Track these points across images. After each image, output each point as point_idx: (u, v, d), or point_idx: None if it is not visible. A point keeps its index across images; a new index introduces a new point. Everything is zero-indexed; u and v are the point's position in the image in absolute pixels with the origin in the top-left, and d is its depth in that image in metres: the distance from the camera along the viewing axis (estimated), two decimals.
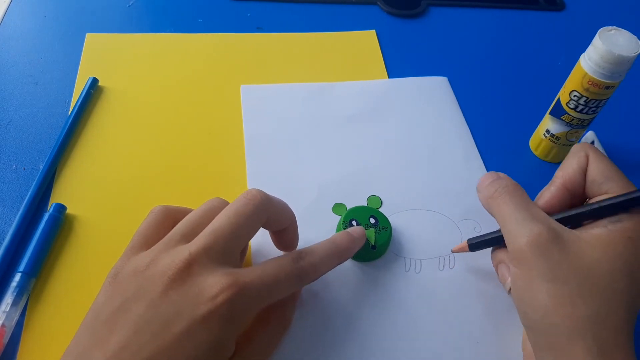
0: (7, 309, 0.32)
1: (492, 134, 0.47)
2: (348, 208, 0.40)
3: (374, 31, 0.56)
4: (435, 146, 0.45)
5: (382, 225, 0.37)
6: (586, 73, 0.39)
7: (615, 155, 0.47)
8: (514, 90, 0.52)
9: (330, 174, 0.42)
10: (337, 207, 0.40)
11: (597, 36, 0.38)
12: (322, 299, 0.35)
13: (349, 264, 0.37)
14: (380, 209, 0.40)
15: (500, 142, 0.47)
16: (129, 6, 0.55)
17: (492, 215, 0.33)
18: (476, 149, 0.46)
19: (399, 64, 0.53)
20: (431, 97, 0.50)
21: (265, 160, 0.42)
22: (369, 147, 0.45)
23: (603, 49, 0.37)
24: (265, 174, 0.41)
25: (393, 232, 0.39)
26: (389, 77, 0.51)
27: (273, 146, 0.44)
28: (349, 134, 0.45)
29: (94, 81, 0.46)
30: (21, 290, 0.33)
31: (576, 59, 0.40)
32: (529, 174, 0.45)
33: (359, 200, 0.41)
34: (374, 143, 0.45)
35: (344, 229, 0.36)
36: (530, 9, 0.62)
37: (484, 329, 0.35)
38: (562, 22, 0.61)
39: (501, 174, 0.34)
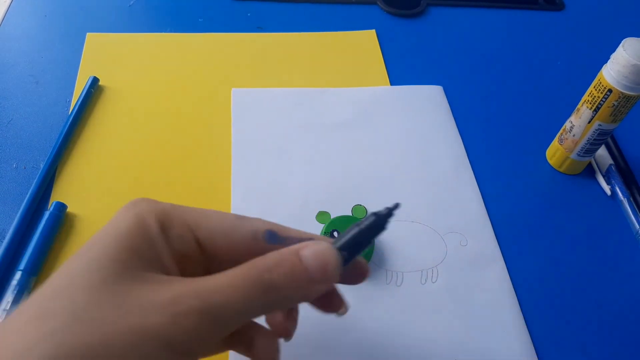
0: (8, 308, 0.32)
1: (491, 133, 0.48)
2: (332, 217, 0.39)
3: (373, 31, 0.56)
4: (425, 157, 0.44)
5: None
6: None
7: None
8: (513, 89, 0.52)
9: (317, 181, 0.41)
10: (321, 215, 0.39)
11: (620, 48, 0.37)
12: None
13: None
14: None
15: (499, 142, 0.47)
16: (130, 6, 0.55)
17: None
18: (467, 160, 0.45)
19: (398, 63, 0.53)
20: (424, 107, 0.48)
21: (251, 165, 0.42)
22: (357, 156, 0.44)
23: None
24: (250, 179, 0.41)
25: (376, 243, 0.38)
26: (389, 76, 0.51)
27: (261, 150, 0.43)
28: (338, 142, 0.44)
29: (95, 80, 0.46)
30: (21, 288, 0.33)
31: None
32: (528, 173, 0.45)
33: (345, 209, 0.40)
34: (363, 151, 0.44)
35: None
36: (530, 8, 0.62)
37: (463, 346, 0.34)
38: (561, 22, 0.61)
39: None
